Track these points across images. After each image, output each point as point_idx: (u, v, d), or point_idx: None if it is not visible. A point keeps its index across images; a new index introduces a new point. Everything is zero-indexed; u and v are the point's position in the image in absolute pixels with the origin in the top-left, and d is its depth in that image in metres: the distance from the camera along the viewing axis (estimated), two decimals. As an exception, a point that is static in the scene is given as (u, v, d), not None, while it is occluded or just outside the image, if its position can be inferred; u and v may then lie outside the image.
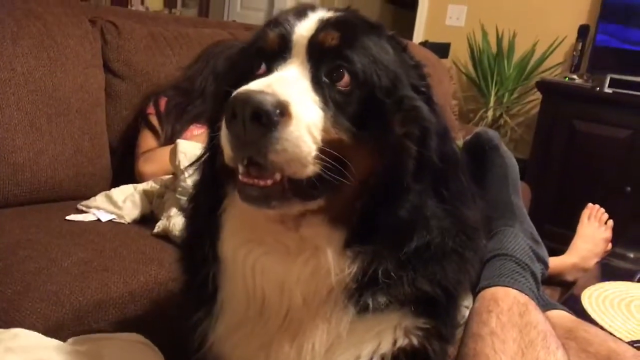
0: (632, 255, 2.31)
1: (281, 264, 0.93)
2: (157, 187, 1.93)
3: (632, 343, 1.35)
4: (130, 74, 2.26)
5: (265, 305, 0.97)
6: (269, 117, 0.78)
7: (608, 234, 2.23)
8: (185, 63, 2.39)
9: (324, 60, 0.89)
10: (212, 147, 0.99)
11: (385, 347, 0.97)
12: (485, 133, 1.66)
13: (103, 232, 1.69)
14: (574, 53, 4.08)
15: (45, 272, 1.42)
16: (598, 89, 3.73)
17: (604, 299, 1.72)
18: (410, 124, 0.94)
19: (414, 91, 0.96)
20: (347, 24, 0.94)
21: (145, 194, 1.91)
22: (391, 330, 0.98)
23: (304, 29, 0.92)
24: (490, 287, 1.28)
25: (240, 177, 0.85)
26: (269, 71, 0.90)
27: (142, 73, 2.28)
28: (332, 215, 0.92)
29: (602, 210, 2.28)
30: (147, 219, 1.87)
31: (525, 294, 1.25)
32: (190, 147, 1.80)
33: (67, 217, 1.76)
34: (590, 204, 2.30)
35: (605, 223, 2.25)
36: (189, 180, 1.73)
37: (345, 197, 0.90)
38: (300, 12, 0.96)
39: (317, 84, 0.88)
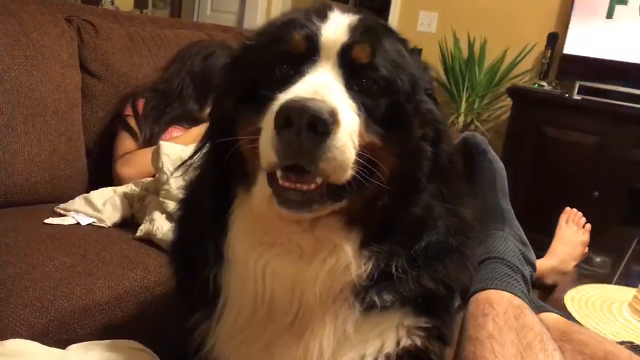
0: (599, 260, 2.36)
1: (295, 265, 0.93)
2: (138, 190, 1.88)
3: (620, 344, 1.37)
4: (107, 74, 2.21)
5: (273, 306, 0.96)
6: (326, 126, 0.77)
7: (586, 237, 2.27)
8: (162, 64, 2.35)
9: (356, 69, 0.90)
10: (218, 147, 0.97)
11: (389, 346, 0.98)
12: (473, 137, 1.67)
13: (84, 236, 1.65)
14: (543, 60, 4.15)
15: (27, 278, 1.37)
16: (567, 95, 3.81)
17: (586, 302, 1.74)
18: (426, 127, 0.96)
19: (426, 94, 0.99)
20: (373, 32, 0.94)
21: (126, 197, 1.86)
22: (394, 329, 0.99)
23: (331, 32, 0.91)
24: (483, 290, 1.28)
25: (280, 181, 0.84)
26: (296, 74, 0.88)
27: (119, 74, 2.24)
28: (349, 215, 0.93)
29: (580, 214, 2.31)
30: (127, 223, 1.82)
31: (518, 297, 1.26)
32: (174, 149, 1.77)
33: (46, 221, 1.70)
34: (568, 208, 2.33)
35: (583, 227, 2.29)
36: (174, 182, 1.70)
37: (367, 198, 0.91)
38: (321, 12, 0.94)
39: (350, 89, 0.88)
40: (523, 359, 1.07)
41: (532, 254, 1.52)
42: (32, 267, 1.41)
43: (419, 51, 1.07)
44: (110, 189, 1.90)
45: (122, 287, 1.43)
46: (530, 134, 3.93)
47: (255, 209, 0.94)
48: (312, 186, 0.83)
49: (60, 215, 1.78)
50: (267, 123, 0.82)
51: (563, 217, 2.30)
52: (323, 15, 0.93)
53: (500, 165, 1.64)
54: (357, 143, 0.84)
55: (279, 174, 0.84)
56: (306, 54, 0.89)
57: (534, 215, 3.69)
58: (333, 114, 0.79)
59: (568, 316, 1.59)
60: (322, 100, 0.79)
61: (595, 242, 2.50)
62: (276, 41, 0.93)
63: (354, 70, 0.89)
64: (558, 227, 2.28)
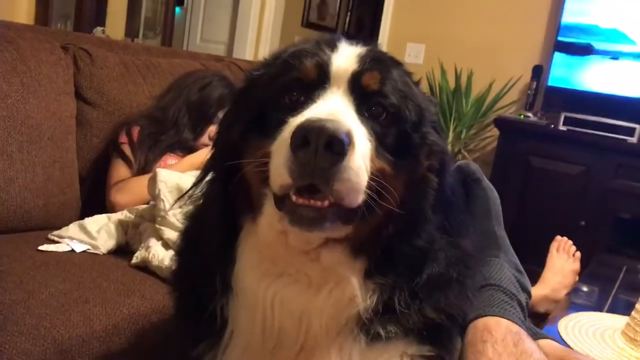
0: (585, 289, 2.38)
1: (303, 295, 0.93)
2: (132, 217, 1.88)
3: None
4: (102, 102, 2.21)
5: (280, 336, 0.96)
6: (342, 146, 0.78)
7: (577, 265, 2.29)
8: (156, 92, 2.36)
9: (366, 96, 0.92)
10: (224, 176, 0.97)
11: None
12: (467, 166, 1.70)
13: (79, 263, 1.64)
14: (529, 92, 4.23)
15: (23, 305, 1.35)
16: (553, 126, 3.89)
17: (579, 329, 1.75)
18: (432, 158, 0.98)
19: (432, 126, 1.01)
20: (382, 63, 0.96)
21: (120, 224, 1.86)
22: (398, 358, 0.99)
23: (342, 61, 0.93)
24: (481, 317, 1.29)
25: (294, 198, 0.84)
26: (307, 100, 0.90)
27: (114, 101, 2.24)
28: (354, 244, 0.93)
29: (570, 242, 2.34)
30: (122, 250, 1.82)
31: (516, 324, 1.27)
32: (170, 176, 1.77)
33: (40, 248, 1.69)
34: (558, 237, 2.36)
35: (574, 255, 2.32)
36: (171, 210, 1.70)
37: (373, 225, 0.92)
38: (330, 43, 0.97)
39: (361, 115, 0.90)
40: None
41: (527, 281, 1.54)
42: (28, 295, 1.40)
43: (418, 82, 1.09)
44: (104, 215, 1.90)
45: (119, 314, 1.42)
46: (516, 164, 3.98)
47: (262, 239, 0.94)
48: (326, 203, 0.83)
49: (55, 242, 1.77)
50: (281, 145, 0.83)
51: (554, 246, 2.33)
52: (332, 46, 0.96)
53: (494, 193, 1.67)
54: (369, 167, 0.85)
55: (292, 192, 0.84)
56: (317, 82, 0.91)
57: (521, 244, 3.72)
58: (349, 135, 0.79)
59: (562, 344, 1.60)
60: (339, 121, 0.80)
61: (583, 272, 2.52)
62: (286, 69, 0.94)
63: (364, 97, 0.91)
64: (549, 255, 2.30)
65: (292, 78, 0.93)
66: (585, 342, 1.68)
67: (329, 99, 0.89)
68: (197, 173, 1.89)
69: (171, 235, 1.68)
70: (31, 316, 1.32)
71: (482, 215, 1.61)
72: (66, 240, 1.77)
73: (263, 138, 0.90)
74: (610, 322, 1.83)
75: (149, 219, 1.83)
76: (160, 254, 1.66)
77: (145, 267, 1.68)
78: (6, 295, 1.38)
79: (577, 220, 3.73)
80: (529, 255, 2.53)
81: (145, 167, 2.12)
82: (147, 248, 1.69)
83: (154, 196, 1.77)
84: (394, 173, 0.91)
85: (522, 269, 1.56)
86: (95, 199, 2.14)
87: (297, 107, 0.89)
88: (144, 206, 1.90)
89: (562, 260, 2.28)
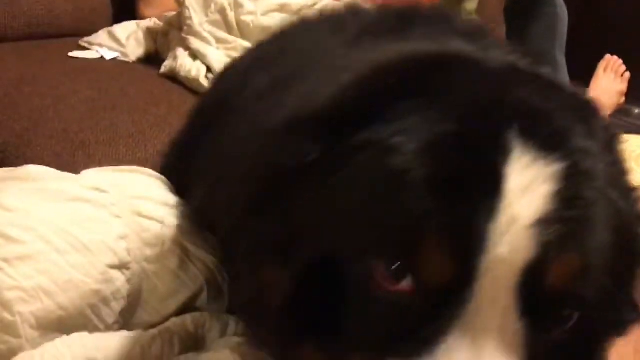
0: (636, 111, 2.29)
1: None
2: (161, 24, 1.84)
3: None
4: None
5: None
6: None
7: (624, 86, 2.18)
8: None
9: (544, 302, 0.47)
10: None
11: None
12: None
13: (108, 70, 1.65)
14: None
15: (53, 109, 1.39)
16: None
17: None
18: None
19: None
20: (588, 224, 0.47)
21: (149, 32, 1.83)
22: None
23: (509, 244, 0.44)
24: None
25: None
26: (423, 311, 0.46)
27: None
28: None
29: (620, 61, 2.21)
30: (151, 58, 1.80)
31: None
32: (196, -17, 1.69)
33: (70, 54, 1.70)
34: (608, 56, 2.23)
35: (622, 75, 2.20)
36: (196, 18, 1.65)
37: None
38: (487, 182, 0.45)
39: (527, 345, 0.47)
40: None
41: None
42: (57, 99, 1.42)
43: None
44: (133, 22, 1.87)
45: (146, 122, 1.43)
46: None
47: None
48: None
49: (85, 48, 1.76)
50: None
51: (602, 65, 2.21)
52: (490, 195, 0.45)
53: (564, 11, 1.52)
54: None
55: None
56: (451, 284, 0.46)
57: (576, 63, 3.54)
58: None
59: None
60: None
61: (632, 93, 2.40)
62: (394, 215, 0.47)
63: (541, 305, 0.47)
64: (595, 74, 2.19)
65: (401, 247, 0.47)
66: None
67: (477, 342, 0.45)
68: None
69: (198, 45, 1.64)
70: (60, 120, 1.35)
71: (546, 34, 1.49)
72: (96, 47, 1.76)
73: (330, 344, 0.51)
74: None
75: (177, 27, 1.78)
76: (187, 65, 1.63)
77: (174, 77, 1.67)
78: (37, 100, 1.42)
79: (635, 40, 3.49)
80: (584, 74, 2.42)
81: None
82: (175, 58, 1.67)
83: (179, 3, 1.71)
84: None
85: None
86: (126, 6, 2.09)
87: (402, 314, 0.47)
88: (173, 13, 1.84)
89: (609, 80, 2.17)
